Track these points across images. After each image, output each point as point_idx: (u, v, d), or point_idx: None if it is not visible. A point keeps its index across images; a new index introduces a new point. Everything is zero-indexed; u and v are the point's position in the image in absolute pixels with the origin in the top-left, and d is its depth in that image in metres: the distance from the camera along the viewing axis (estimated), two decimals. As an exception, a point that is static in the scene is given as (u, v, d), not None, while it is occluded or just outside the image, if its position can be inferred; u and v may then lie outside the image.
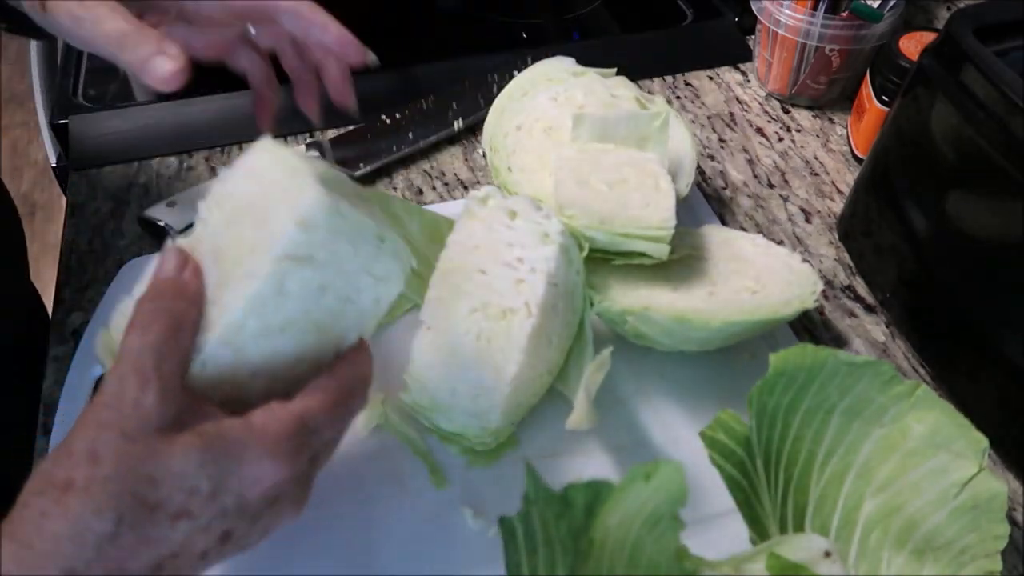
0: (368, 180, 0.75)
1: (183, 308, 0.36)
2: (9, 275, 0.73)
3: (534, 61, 0.71)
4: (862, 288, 0.69)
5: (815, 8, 0.78)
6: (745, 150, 0.81)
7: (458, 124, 0.80)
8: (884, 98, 0.75)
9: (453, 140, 0.80)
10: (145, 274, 0.41)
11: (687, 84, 0.89)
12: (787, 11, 0.79)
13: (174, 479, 0.32)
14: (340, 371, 0.39)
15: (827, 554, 0.41)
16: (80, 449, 0.31)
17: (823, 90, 0.84)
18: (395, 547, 0.50)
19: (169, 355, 0.34)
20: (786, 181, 0.78)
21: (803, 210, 0.75)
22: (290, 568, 0.49)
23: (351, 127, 0.78)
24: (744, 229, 0.73)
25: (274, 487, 0.35)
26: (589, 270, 0.57)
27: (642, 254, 0.56)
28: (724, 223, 0.73)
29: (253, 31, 0.61)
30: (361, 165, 0.75)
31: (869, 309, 0.67)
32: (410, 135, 0.78)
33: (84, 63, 0.87)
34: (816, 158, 0.81)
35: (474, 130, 0.81)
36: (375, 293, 0.41)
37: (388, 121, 0.79)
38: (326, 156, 0.75)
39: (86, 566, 0.30)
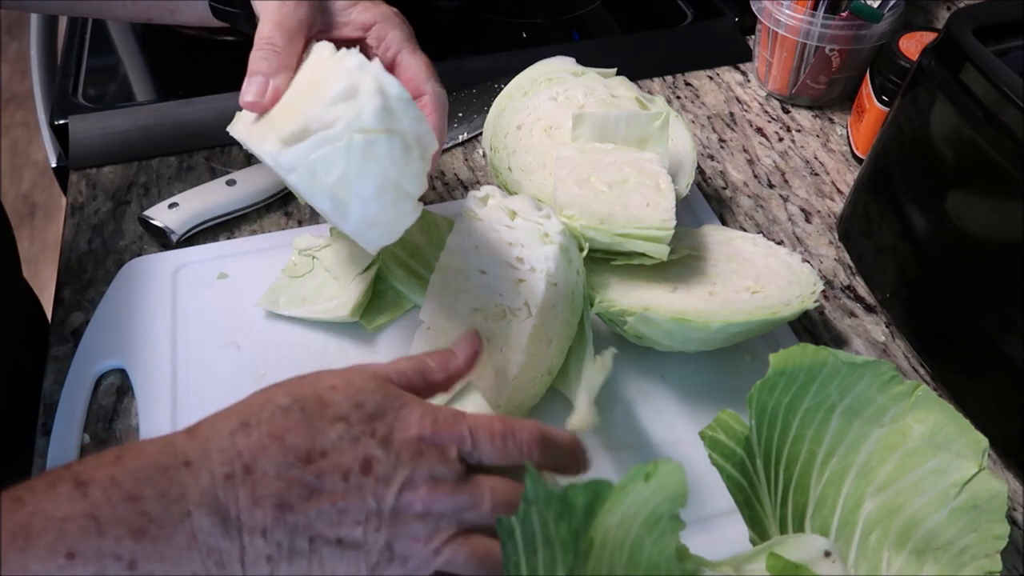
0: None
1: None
2: (1, 272, 0.73)
3: (534, 61, 0.71)
4: (862, 288, 0.69)
5: (815, 8, 0.78)
6: (745, 150, 0.81)
7: (463, 135, 0.80)
8: (884, 98, 0.75)
9: (453, 140, 0.80)
10: None
11: (687, 84, 0.89)
12: (787, 11, 0.79)
13: (350, 389, 0.38)
14: (521, 424, 0.41)
15: (827, 554, 0.41)
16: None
17: (823, 90, 0.84)
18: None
19: None
20: (786, 181, 0.78)
21: (803, 210, 0.75)
22: (290, 568, 0.49)
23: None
24: (744, 229, 0.73)
25: (419, 440, 0.38)
26: (589, 270, 0.57)
27: (642, 254, 0.56)
28: (724, 223, 0.73)
29: None
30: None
31: (869, 309, 0.67)
32: None
33: (84, 63, 0.87)
34: (816, 158, 0.81)
35: (474, 130, 0.81)
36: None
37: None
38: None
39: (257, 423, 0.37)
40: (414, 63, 0.59)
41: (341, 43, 0.53)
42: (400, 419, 0.38)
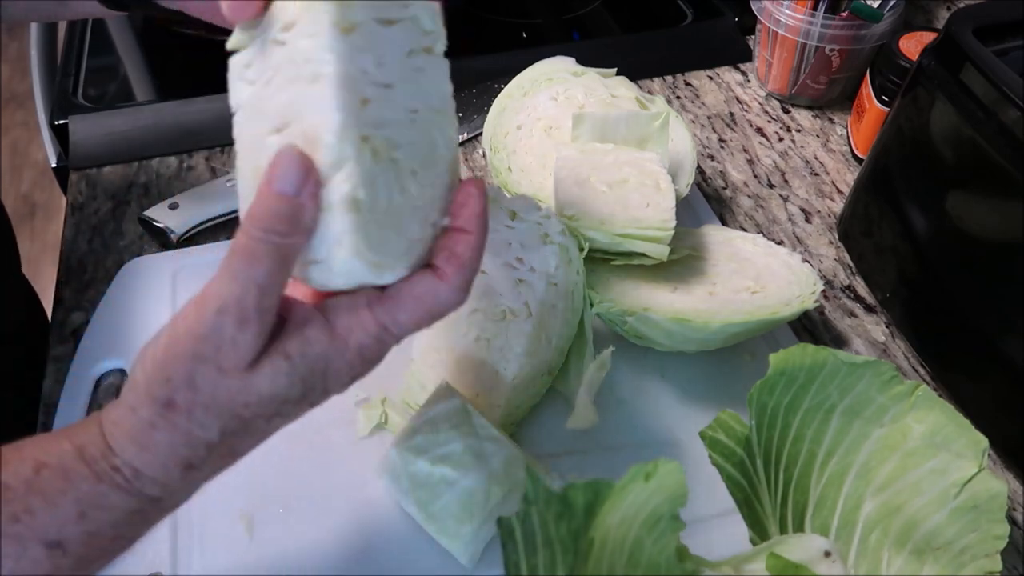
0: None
1: (295, 243, 0.34)
2: (2, 268, 0.73)
3: (534, 61, 0.71)
4: (862, 288, 0.69)
5: (815, 8, 0.78)
6: (745, 150, 0.81)
7: (463, 135, 0.79)
8: (884, 98, 0.75)
9: (453, 140, 0.80)
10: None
11: (687, 84, 0.89)
12: (787, 11, 0.79)
13: (265, 400, 0.35)
14: (427, 281, 0.37)
15: (827, 554, 0.41)
16: (179, 376, 0.34)
17: (823, 90, 0.84)
18: (395, 547, 0.50)
19: (272, 293, 0.34)
20: (786, 181, 0.78)
21: (803, 210, 0.75)
22: (289, 568, 0.49)
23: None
24: (744, 229, 0.73)
25: (352, 379, 0.38)
26: (589, 270, 0.57)
27: (642, 254, 0.56)
28: (724, 223, 0.73)
29: None
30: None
31: (869, 309, 0.67)
32: None
33: (84, 63, 0.87)
34: (816, 158, 0.81)
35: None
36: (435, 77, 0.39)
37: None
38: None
39: (201, 462, 0.35)
40: None
41: None
42: (329, 381, 0.37)
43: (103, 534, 0.35)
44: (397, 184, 0.36)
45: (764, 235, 0.69)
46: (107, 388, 0.59)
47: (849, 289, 0.69)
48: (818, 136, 0.83)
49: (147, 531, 0.37)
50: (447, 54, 0.40)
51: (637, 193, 0.59)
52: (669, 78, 0.89)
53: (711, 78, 0.90)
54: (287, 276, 0.35)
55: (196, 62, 0.90)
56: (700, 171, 0.79)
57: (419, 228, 0.37)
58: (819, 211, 0.75)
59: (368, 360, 0.37)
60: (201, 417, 0.34)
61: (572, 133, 0.64)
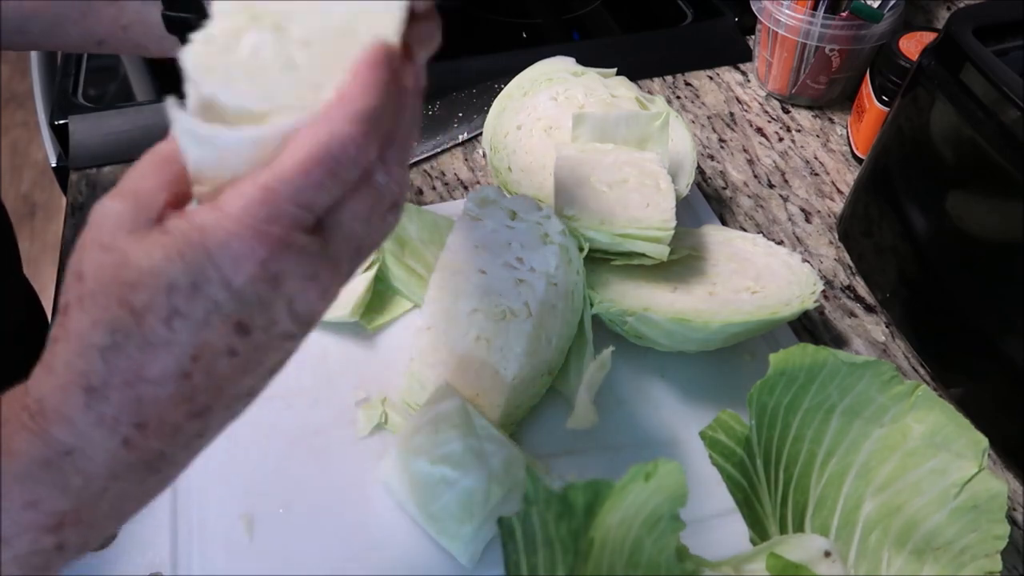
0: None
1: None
2: (2, 267, 0.73)
3: (534, 61, 0.71)
4: (862, 288, 0.69)
5: (815, 8, 0.78)
6: (745, 150, 0.81)
7: (463, 135, 0.80)
8: (884, 98, 0.75)
9: (453, 140, 0.80)
10: None
11: (687, 84, 0.89)
12: (787, 11, 0.79)
13: (148, 278, 0.30)
14: (325, 118, 0.32)
15: (827, 554, 0.41)
16: (70, 273, 0.31)
17: (823, 90, 0.84)
18: (395, 547, 0.50)
19: (147, 168, 0.34)
20: (786, 181, 0.78)
21: (803, 210, 0.75)
22: (289, 568, 0.49)
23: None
24: (744, 229, 0.73)
25: (261, 266, 0.31)
26: (589, 270, 0.57)
27: (642, 254, 0.56)
28: (724, 223, 0.73)
29: None
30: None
31: (869, 309, 0.67)
32: (415, 143, 0.78)
33: (84, 63, 0.87)
34: (816, 158, 0.81)
35: (474, 130, 0.81)
36: None
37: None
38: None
39: (102, 381, 0.31)
40: None
41: None
42: (220, 263, 0.31)
43: (11, 496, 0.31)
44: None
45: (764, 235, 0.69)
46: (107, 388, 0.59)
47: (849, 289, 0.69)
48: (818, 136, 0.83)
49: (68, 505, 0.32)
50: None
51: (637, 193, 0.59)
52: (669, 78, 0.89)
53: (711, 78, 0.90)
54: (168, 161, 0.34)
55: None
56: (700, 171, 0.79)
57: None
58: (819, 211, 0.75)
59: (260, 233, 0.31)
60: (90, 308, 0.30)
61: (572, 133, 0.64)
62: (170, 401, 0.32)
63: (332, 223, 0.33)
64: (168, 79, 0.88)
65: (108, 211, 0.32)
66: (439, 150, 0.78)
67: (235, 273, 0.31)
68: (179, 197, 0.34)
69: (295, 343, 0.34)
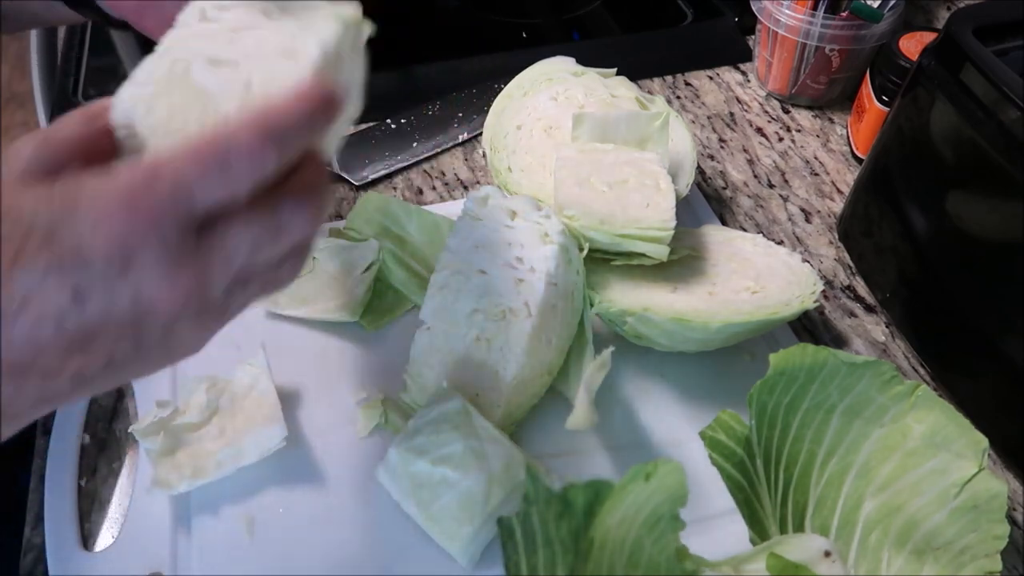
0: (370, 184, 0.75)
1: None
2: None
3: (534, 61, 0.71)
4: (862, 288, 0.69)
5: (815, 8, 0.78)
6: (745, 150, 0.81)
7: (463, 135, 0.80)
8: (884, 98, 0.75)
9: (453, 140, 0.80)
10: None
11: (687, 84, 0.89)
12: (787, 11, 0.79)
13: (14, 212, 0.30)
14: (229, 123, 0.32)
15: (827, 554, 0.41)
16: None
17: (823, 90, 0.84)
18: (395, 548, 0.50)
19: (55, 136, 0.33)
20: (786, 181, 0.78)
21: (803, 210, 0.75)
22: (290, 568, 0.49)
23: (354, 130, 0.78)
24: (744, 229, 0.73)
25: (118, 240, 0.30)
26: (589, 270, 0.57)
27: (642, 254, 0.56)
28: (724, 223, 0.73)
29: None
30: (365, 173, 0.75)
31: (869, 309, 0.67)
32: (415, 143, 0.78)
33: (84, 63, 0.87)
34: (816, 158, 0.81)
35: (474, 130, 0.81)
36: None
37: (393, 126, 0.79)
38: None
39: None
40: None
41: None
42: (81, 221, 0.30)
43: None
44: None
45: (764, 235, 0.69)
46: (107, 388, 0.59)
47: (849, 289, 0.69)
48: (818, 136, 0.83)
49: None
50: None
51: (637, 193, 0.59)
52: (669, 78, 0.89)
53: (711, 78, 0.90)
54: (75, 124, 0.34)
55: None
56: (700, 171, 0.79)
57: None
58: (819, 211, 0.75)
59: (129, 206, 0.30)
60: None
61: (572, 133, 0.64)
62: None
63: (213, 235, 0.32)
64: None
65: (13, 150, 0.32)
66: (439, 150, 0.78)
67: (91, 236, 0.30)
68: (96, 152, 0.34)
69: (131, 346, 0.32)
